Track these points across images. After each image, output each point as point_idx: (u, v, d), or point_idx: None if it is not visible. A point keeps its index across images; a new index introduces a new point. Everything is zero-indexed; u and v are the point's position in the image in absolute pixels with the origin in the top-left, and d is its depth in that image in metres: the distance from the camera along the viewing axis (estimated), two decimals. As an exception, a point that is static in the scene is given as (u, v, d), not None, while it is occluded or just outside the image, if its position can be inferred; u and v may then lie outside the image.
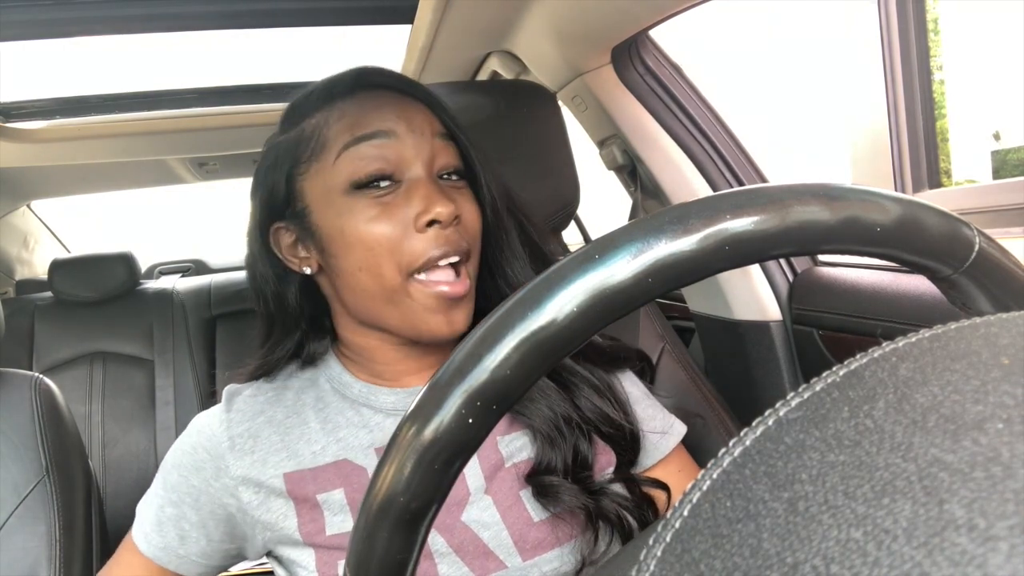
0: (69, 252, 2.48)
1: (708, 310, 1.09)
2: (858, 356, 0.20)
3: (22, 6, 0.89)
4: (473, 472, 0.60)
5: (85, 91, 1.57)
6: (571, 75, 1.06)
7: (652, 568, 0.19)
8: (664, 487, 0.64)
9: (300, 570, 0.58)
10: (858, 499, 0.16)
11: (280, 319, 0.65)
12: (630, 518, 0.59)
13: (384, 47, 1.36)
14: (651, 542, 0.19)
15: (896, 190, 0.32)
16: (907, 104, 1.32)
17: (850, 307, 0.87)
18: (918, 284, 0.79)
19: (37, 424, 0.86)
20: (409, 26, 1.14)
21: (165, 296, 1.89)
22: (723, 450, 0.20)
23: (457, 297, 0.57)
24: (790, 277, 0.99)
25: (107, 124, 1.61)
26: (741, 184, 1.03)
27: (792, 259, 1.00)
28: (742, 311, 1.01)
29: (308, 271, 0.61)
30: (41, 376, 0.91)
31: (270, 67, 1.64)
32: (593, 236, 1.26)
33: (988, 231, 0.29)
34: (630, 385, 0.68)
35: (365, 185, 0.56)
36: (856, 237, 0.26)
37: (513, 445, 0.61)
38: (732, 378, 1.06)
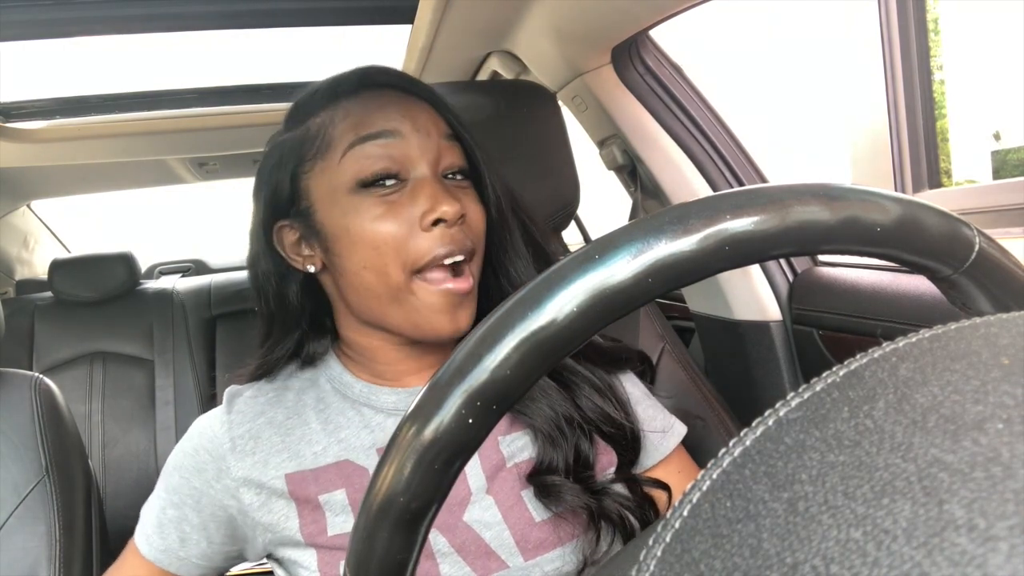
0: (69, 252, 2.48)
1: (708, 310, 1.09)
2: (858, 356, 0.20)
3: (22, 6, 0.89)
4: (474, 472, 0.60)
5: (85, 91, 1.57)
6: (571, 75, 1.06)
7: (652, 568, 0.19)
8: (665, 487, 0.64)
9: (302, 571, 0.58)
10: (858, 499, 0.16)
11: (280, 318, 0.65)
12: (632, 518, 0.59)
13: (384, 47, 1.36)
14: (651, 542, 0.19)
15: (896, 190, 0.32)
16: (907, 104, 1.32)
17: (850, 307, 0.87)
18: (918, 284, 0.79)
19: (37, 424, 0.86)
20: (409, 26, 1.14)
21: (165, 296, 1.89)
22: (723, 450, 0.20)
23: (462, 294, 0.57)
24: (790, 277, 0.99)
25: (107, 124, 1.61)
26: (741, 184, 1.03)
27: (792, 259, 1.00)
28: (742, 311, 1.01)
29: (312, 270, 0.61)
30: (41, 376, 0.91)
31: (270, 67, 1.64)
32: (593, 236, 1.26)
33: (988, 231, 0.29)
34: (631, 385, 0.68)
35: (371, 184, 0.56)
36: (856, 237, 0.26)
37: (514, 445, 0.61)
38: (732, 378, 1.06)
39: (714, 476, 0.19)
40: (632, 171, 1.11)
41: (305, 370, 0.66)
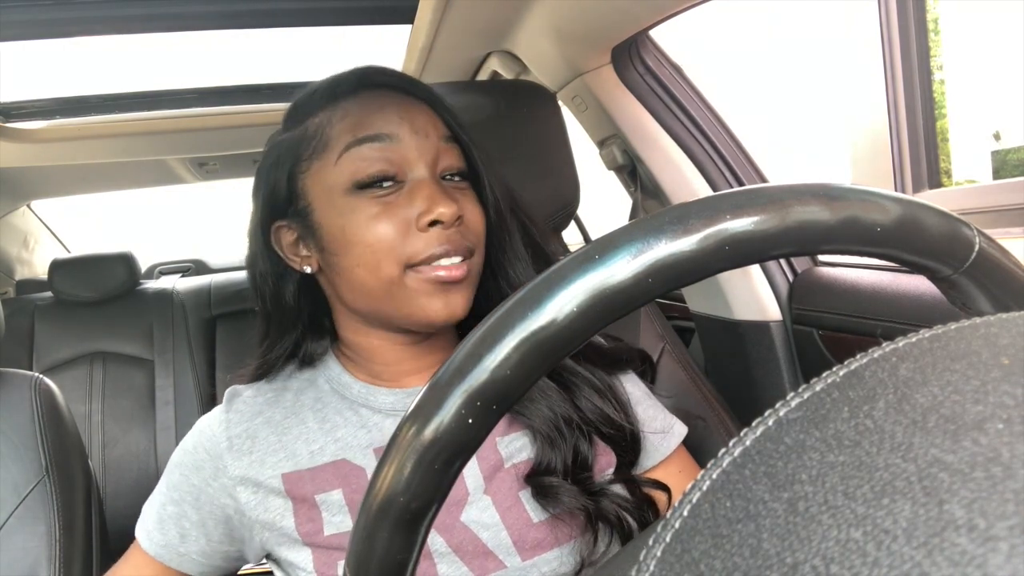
0: (69, 252, 2.48)
1: (708, 310, 1.09)
2: (858, 356, 0.20)
3: (22, 6, 0.89)
4: (472, 472, 0.60)
5: (85, 91, 1.57)
6: (571, 75, 1.06)
7: (652, 568, 0.19)
8: (664, 488, 0.64)
9: (299, 571, 0.58)
10: (858, 499, 0.16)
11: (278, 318, 0.65)
12: (630, 519, 0.59)
13: (384, 47, 1.36)
14: (651, 542, 0.19)
15: (896, 190, 0.32)
16: (907, 104, 1.32)
17: (850, 307, 0.87)
18: (918, 284, 0.79)
19: (37, 424, 0.86)
20: (409, 26, 1.14)
21: (165, 296, 1.89)
22: (723, 450, 0.20)
23: (454, 281, 0.56)
24: (790, 277, 0.99)
25: (107, 124, 1.61)
26: (741, 184, 1.03)
27: (792, 259, 1.00)
28: (742, 311, 1.01)
29: (308, 270, 0.61)
30: (41, 376, 0.91)
31: (270, 67, 1.64)
32: (593, 236, 1.26)
33: (988, 231, 0.29)
34: (631, 386, 0.68)
35: (367, 185, 0.56)
36: (856, 237, 0.26)
37: (513, 446, 0.61)
38: (732, 378, 1.06)
39: (714, 476, 0.19)
40: (632, 171, 1.11)
41: (304, 370, 0.67)
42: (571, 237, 1.23)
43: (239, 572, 0.76)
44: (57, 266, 1.84)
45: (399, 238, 0.55)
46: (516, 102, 0.97)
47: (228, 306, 1.89)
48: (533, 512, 0.59)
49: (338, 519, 0.58)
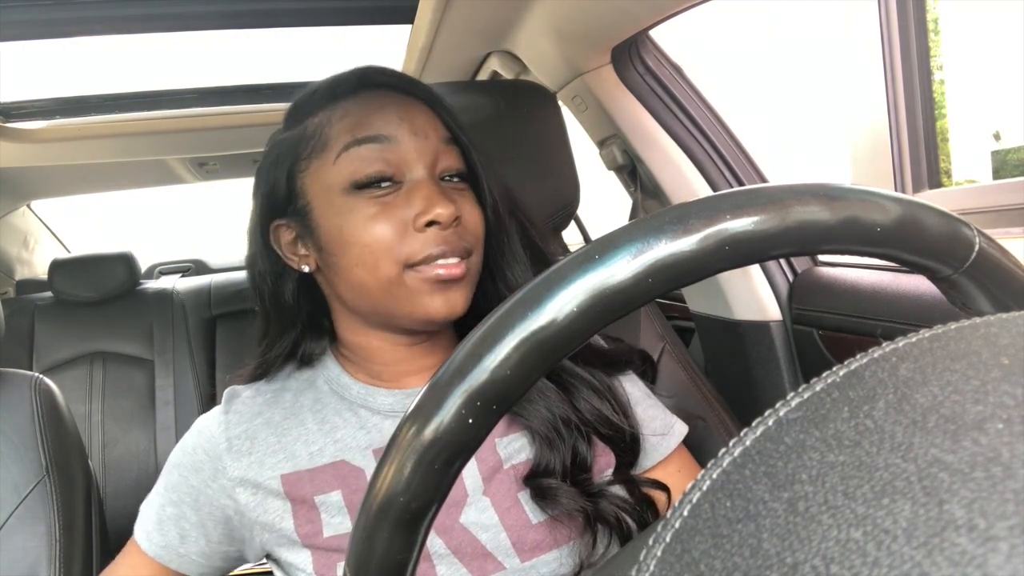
0: (69, 252, 2.48)
1: (708, 310, 1.09)
2: (858, 356, 0.20)
3: (22, 6, 0.89)
4: (471, 473, 0.60)
5: (85, 91, 1.57)
6: (571, 75, 1.06)
7: (652, 568, 0.19)
8: (664, 488, 0.63)
9: (298, 572, 0.58)
10: (858, 499, 0.16)
11: (276, 317, 0.65)
12: (629, 520, 0.59)
13: (384, 47, 1.36)
14: (651, 542, 0.19)
15: (896, 190, 0.32)
16: (907, 104, 1.32)
17: (850, 307, 0.87)
18: (918, 284, 0.79)
19: (37, 424, 0.86)
20: (409, 26, 1.14)
21: (165, 296, 1.89)
22: (723, 450, 0.20)
23: (453, 279, 0.56)
24: (790, 277, 0.99)
25: (107, 124, 1.61)
26: (741, 184, 1.03)
27: (792, 259, 1.00)
28: (742, 311, 1.01)
29: (307, 269, 0.61)
30: (41, 376, 0.91)
31: (270, 67, 1.64)
32: (593, 236, 1.26)
33: (988, 231, 0.29)
34: (631, 386, 0.68)
35: (365, 185, 0.56)
36: (856, 237, 0.26)
37: (512, 447, 0.61)
38: (732, 378, 1.06)
39: (714, 476, 0.19)
40: (632, 171, 1.11)
41: (303, 371, 0.67)
42: (571, 237, 1.23)
43: (239, 572, 0.76)
44: (57, 266, 1.84)
45: (396, 238, 0.55)
46: (516, 102, 0.97)
47: (228, 306, 1.89)
48: (532, 513, 0.59)
49: (337, 520, 0.58)
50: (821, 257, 1.00)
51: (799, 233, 0.25)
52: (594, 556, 0.58)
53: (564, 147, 0.99)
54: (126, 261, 1.88)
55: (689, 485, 0.20)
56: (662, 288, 0.25)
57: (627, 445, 0.63)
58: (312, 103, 0.60)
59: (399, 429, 0.25)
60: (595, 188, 1.22)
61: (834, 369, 0.20)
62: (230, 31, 1.13)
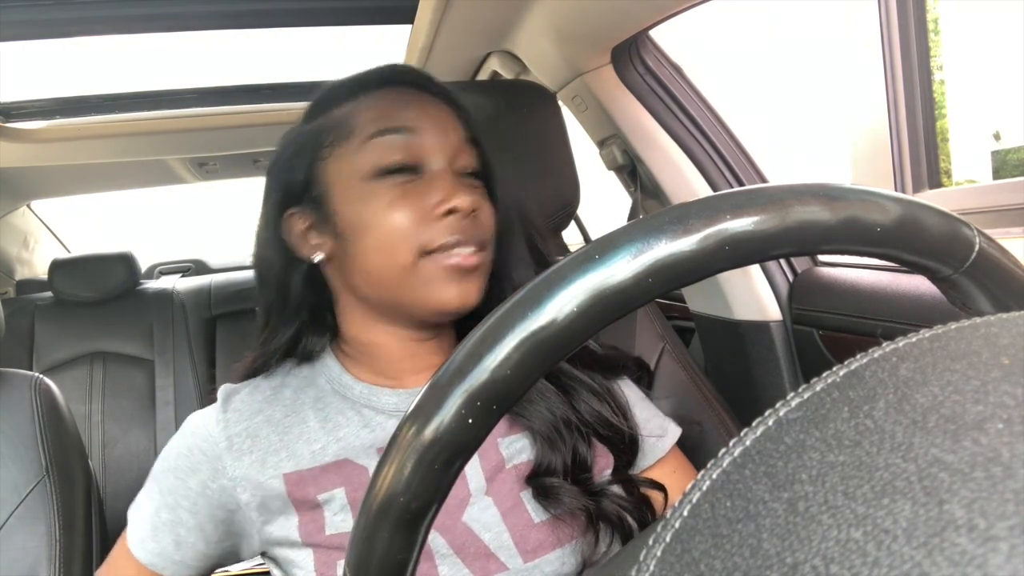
0: (69, 252, 2.48)
1: (708, 310, 1.09)
2: (858, 356, 0.20)
3: (22, 6, 0.89)
4: (474, 472, 0.60)
5: (85, 91, 1.57)
6: (571, 75, 1.06)
7: (652, 568, 0.19)
8: (661, 488, 0.64)
9: (297, 571, 0.57)
10: (858, 499, 0.16)
11: (280, 307, 0.65)
12: (630, 519, 0.60)
13: (384, 47, 1.36)
14: (651, 542, 0.19)
15: (896, 190, 0.32)
16: (907, 104, 1.32)
17: (850, 307, 0.87)
18: (918, 284, 0.79)
19: (37, 424, 0.86)
20: (409, 26, 1.14)
21: (165, 296, 1.89)
22: (723, 450, 0.20)
23: (468, 268, 0.57)
24: (790, 277, 0.99)
25: (107, 124, 1.61)
26: (741, 184, 1.03)
27: (792, 259, 1.00)
28: (742, 311, 1.01)
29: (319, 257, 0.61)
30: (41, 376, 0.91)
31: (270, 67, 1.64)
32: (593, 236, 1.26)
33: (988, 231, 0.29)
34: (627, 389, 0.69)
35: (389, 172, 0.58)
36: (856, 237, 0.26)
37: (513, 447, 0.61)
38: (732, 378, 1.06)
39: (714, 476, 0.19)
40: (632, 171, 1.11)
41: (302, 367, 0.66)
42: (571, 237, 1.23)
43: (239, 572, 0.75)
44: (57, 266, 1.84)
45: (416, 225, 0.56)
46: (516, 102, 0.97)
47: (228, 306, 1.89)
48: (534, 513, 0.59)
49: (339, 518, 0.58)
50: (821, 257, 1.00)
51: (799, 233, 0.25)
52: (596, 555, 0.58)
53: (564, 147, 0.99)
54: (126, 261, 1.88)
55: (689, 485, 0.20)
56: (662, 288, 0.25)
57: (626, 446, 0.63)
58: (336, 96, 0.62)
59: (399, 429, 0.26)
60: (595, 188, 1.22)
61: (834, 369, 0.20)
62: (230, 31, 1.13)
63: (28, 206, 2.22)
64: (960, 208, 0.87)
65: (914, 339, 0.20)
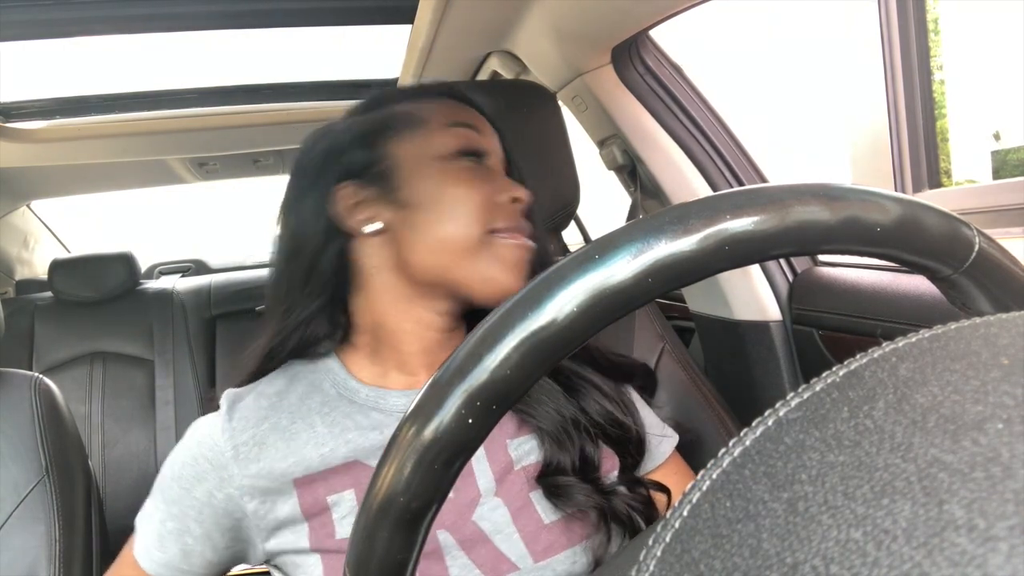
0: (69, 252, 2.48)
1: (708, 310, 1.09)
2: (858, 356, 0.20)
3: (22, 6, 0.89)
4: (484, 473, 0.60)
5: (85, 91, 1.57)
6: (571, 75, 1.06)
7: (652, 568, 0.19)
8: (665, 490, 0.64)
9: (303, 574, 0.57)
10: (858, 499, 0.16)
11: (302, 281, 0.63)
12: (639, 519, 0.60)
13: (384, 47, 1.36)
14: (651, 542, 0.19)
15: (896, 190, 0.32)
16: (907, 104, 1.32)
17: (850, 307, 0.87)
18: (918, 284, 0.79)
19: (37, 424, 0.86)
20: (409, 26, 1.14)
21: (165, 296, 1.89)
22: (723, 450, 0.20)
23: (529, 250, 0.62)
24: (790, 277, 0.99)
25: (107, 124, 1.61)
26: (741, 184, 1.03)
27: (792, 259, 1.00)
28: (742, 311, 1.01)
29: (372, 228, 0.62)
30: (41, 376, 0.91)
31: (270, 67, 1.63)
32: (593, 236, 1.26)
33: (988, 231, 0.29)
34: (630, 395, 0.70)
35: (461, 155, 0.63)
36: (856, 237, 0.26)
37: (522, 448, 0.62)
38: (732, 378, 1.06)
39: (714, 476, 0.19)
40: (632, 171, 1.11)
41: (306, 372, 0.65)
42: (571, 237, 1.23)
43: (239, 573, 0.75)
44: (57, 266, 1.84)
45: (487, 203, 0.61)
46: (516, 102, 0.97)
47: (228, 306, 1.89)
48: (544, 513, 0.59)
49: (348, 521, 0.57)
50: (821, 257, 1.00)
51: (799, 233, 0.25)
52: (607, 554, 0.59)
53: (564, 147, 0.99)
54: (126, 261, 1.88)
55: (689, 485, 0.20)
56: (662, 288, 0.25)
57: (633, 446, 0.64)
58: (399, 95, 0.68)
59: (399, 429, 0.26)
60: (595, 188, 1.22)
61: (834, 369, 0.20)
62: (230, 31, 1.13)
63: (28, 206, 2.22)
64: (960, 208, 0.87)
65: (914, 339, 0.20)
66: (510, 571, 0.56)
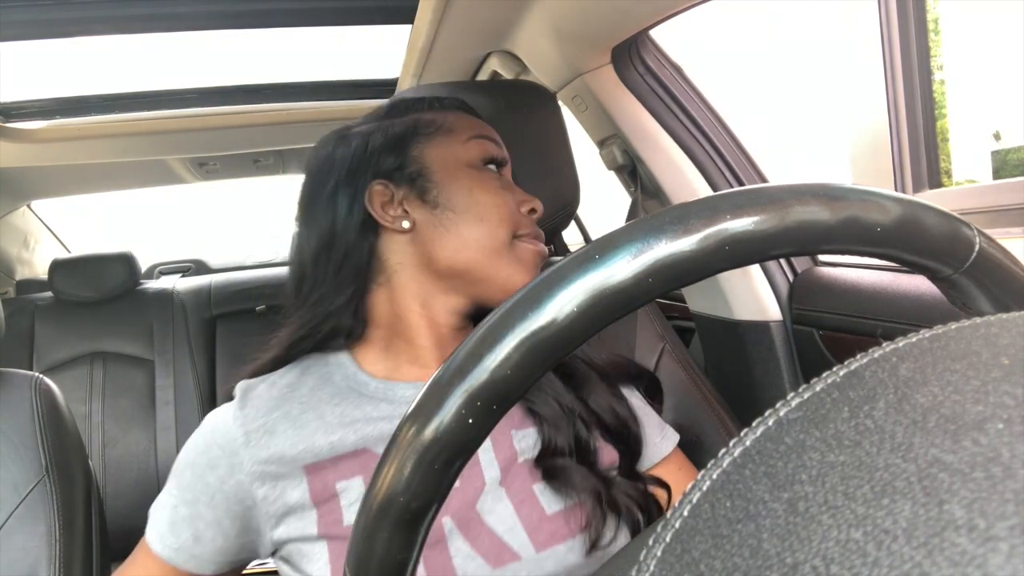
0: (69, 252, 2.48)
1: (708, 310, 1.09)
2: (858, 356, 0.20)
3: (22, 6, 0.90)
4: (489, 463, 0.61)
5: (85, 91, 1.57)
6: (571, 75, 1.06)
7: (652, 568, 0.19)
8: (665, 485, 0.65)
9: (309, 564, 0.58)
10: (858, 499, 0.16)
11: (334, 272, 0.66)
12: (637, 511, 0.61)
13: (384, 47, 1.36)
14: (651, 542, 0.19)
15: (896, 190, 0.32)
16: (907, 104, 1.32)
17: (850, 307, 0.88)
18: (918, 284, 0.79)
19: (37, 424, 0.86)
20: (409, 26, 1.14)
21: (165, 296, 1.89)
22: (723, 450, 0.20)
23: (544, 258, 0.68)
24: (790, 277, 0.99)
25: (107, 124, 1.61)
26: (741, 184, 1.03)
27: (792, 259, 1.00)
28: (742, 311, 1.01)
29: (404, 225, 0.65)
30: (41, 376, 0.91)
31: (270, 67, 1.63)
32: (593, 236, 1.26)
33: (988, 231, 0.29)
34: (632, 396, 0.71)
35: (489, 164, 0.68)
36: (856, 237, 0.26)
37: (526, 441, 0.63)
38: (732, 378, 1.06)
39: (714, 476, 0.19)
40: (632, 171, 1.11)
41: (317, 366, 0.67)
42: (571, 237, 1.23)
43: (249, 573, 0.76)
44: (57, 266, 1.84)
45: (513, 210, 0.66)
46: (516, 102, 0.97)
47: (228, 306, 1.89)
48: (547, 504, 0.60)
49: (356, 507, 0.58)
50: (821, 257, 1.00)
51: (799, 233, 0.25)
52: (606, 543, 0.60)
53: (564, 147, 0.99)
54: (126, 261, 1.88)
55: (689, 485, 0.20)
56: (662, 288, 0.25)
57: (632, 440, 0.65)
58: (420, 103, 0.72)
59: (399, 429, 0.26)
60: (595, 188, 1.22)
61: (834, 369, 0.20)
62: (230, 31, 1.13)
63: (28, 206, 2.22)
64: (960, 208, 0.87)
65: (914, 339, 0.20)
66: (512, 560, 0.58)
